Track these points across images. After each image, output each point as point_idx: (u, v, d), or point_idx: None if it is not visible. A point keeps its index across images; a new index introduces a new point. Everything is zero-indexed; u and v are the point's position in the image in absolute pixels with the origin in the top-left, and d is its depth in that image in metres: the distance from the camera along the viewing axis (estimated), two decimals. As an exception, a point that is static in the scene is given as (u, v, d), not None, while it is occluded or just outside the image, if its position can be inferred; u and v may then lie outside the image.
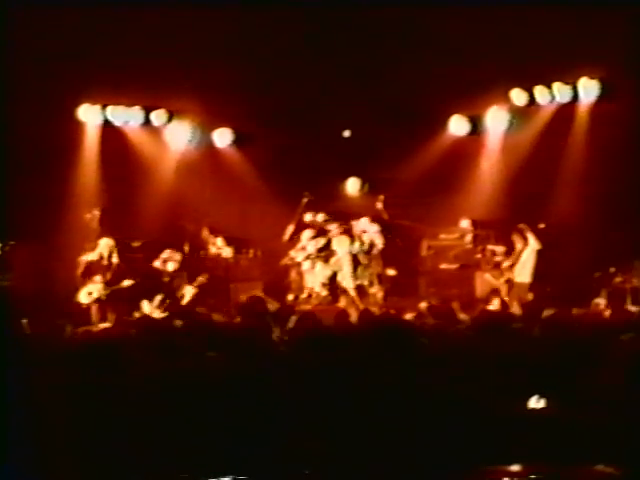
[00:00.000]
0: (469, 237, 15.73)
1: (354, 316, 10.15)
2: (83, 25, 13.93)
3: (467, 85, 14.68)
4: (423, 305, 11.54)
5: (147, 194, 15.61)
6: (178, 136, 15.96)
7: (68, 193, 15.35)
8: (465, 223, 15.78)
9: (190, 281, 15.05)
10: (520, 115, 15.59)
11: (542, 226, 14.83)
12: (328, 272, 15.17)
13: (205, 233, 15.87)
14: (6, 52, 12.96)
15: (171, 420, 4.82)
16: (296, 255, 15.39)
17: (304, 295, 15.20)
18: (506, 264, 14.82)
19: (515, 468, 4.57)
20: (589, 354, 5.64)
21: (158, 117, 15.86)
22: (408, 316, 10.30)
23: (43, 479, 4.42)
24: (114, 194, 15.46)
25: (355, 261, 15.12)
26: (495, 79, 14.84)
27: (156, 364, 5.55)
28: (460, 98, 15.15)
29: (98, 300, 14.47)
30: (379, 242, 15.26)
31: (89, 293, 14.53)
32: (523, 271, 14.60)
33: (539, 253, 14.53)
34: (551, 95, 15.28)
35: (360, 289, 15.05)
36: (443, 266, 15.66)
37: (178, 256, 15.16)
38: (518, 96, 15.39)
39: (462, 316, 9.67)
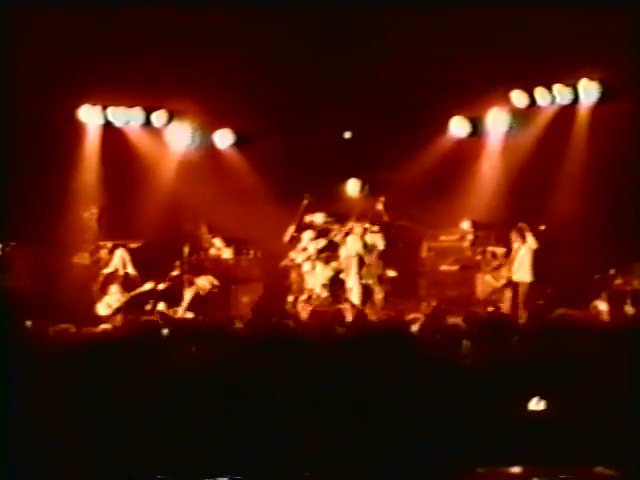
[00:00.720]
0: (469, 238, 15.72)
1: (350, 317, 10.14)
2: (84, 26, 13.96)
3: (468, 86, 14.69)
4: (423, 308, 11.55)
5: (148, 195, 15.62)
6: (179, 137, 15.96)
7: (69, 194, 15.36)
8: (466, 224, 15.77)
9: (189, 281, 15.04)
10: (520, 117, 15.59)
11: (543, 228, 14.81)
12: (329, 273, 15.16)
13: (205, 234, 15.86)
14: (7, 53, 12.99)
15: (171, 421, 4.82)
16: (296, 256, 15.38)
17: (304, 296, 15.19)
18: (504, 263, 14.81)
19: (515, 470, 4.57)
20: (589, 356, 5.64)
21: (159, 118, 15.87)
22: (407, 318, 10.29)
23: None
24: (115, 195, 15.47)
25: (361, 261, 15.12)
26: (496, 80, 14.85)
27: (155, 364, 5.55)
28: (461, 99, 15.15)
29: (118, 310, 14.45)
30: (380, 243, 15.25)
31: (108, 305, 14.48)
32: (522, 270, 14.58)
33: (539, 254, 14.52)
34: (551, 97, 15.28)
35: (365, 289, 15.02)
36: (443, 267, 15.66)
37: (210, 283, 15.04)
38: (519, 97, 15.39)
39: (461, 318, 9.66)
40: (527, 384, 5.27)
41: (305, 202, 15.46)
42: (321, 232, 15.53)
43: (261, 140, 15.76)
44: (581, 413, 4.97)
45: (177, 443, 4.67)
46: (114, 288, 14.62)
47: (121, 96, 15.43)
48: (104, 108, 15.65)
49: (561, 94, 15.23)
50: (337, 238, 15.36)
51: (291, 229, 15.42)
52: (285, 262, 15.51)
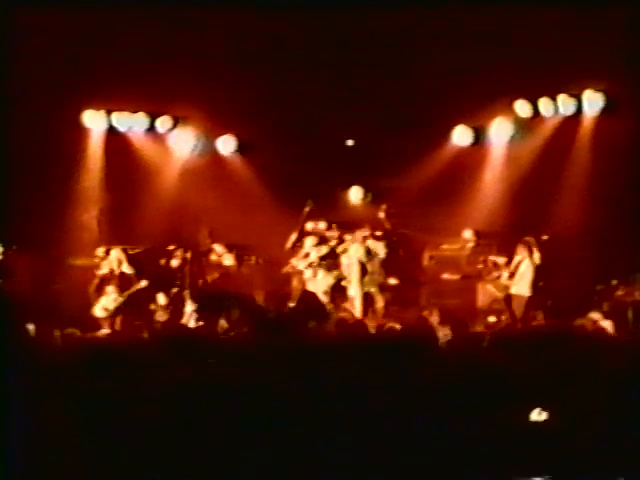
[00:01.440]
0: (469, 247, 15.71)
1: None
2: (88, 31, 13.99)
3: (471, 96, 14.72)
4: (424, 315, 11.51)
5: (151, 200, 15.63)
6: (182, 143, 15.99)
7: (72, 198, 15.38)
8: (468, 233, 15.77)
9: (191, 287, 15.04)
10: (524, 126, 15.61)
11: (545, 238, 14.80)
12: (330, 280, 15.15)
13: (207, 240, 15.86)
14: (11, 58, 13.01)
15: (172, 426, 4.83)
16: (298, 263, 15.38)
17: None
18: (505, 274, 14.78)
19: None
20: (590, 366, 5.64)
21: (162, 124, 15.90)
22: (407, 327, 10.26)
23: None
24: (118, 200, 15.48)
25: (363, 269, 15.11)
26: (499, 90, 14.87)
27: (159, 370, 5.55)
28: (464, 109, 15.18)
29: (116, 311, 14.42)
30: (381, 251, 15.24)
31: (105, 309, 14.43)
32: (521, 284, 14.51)
33: (540, 266, 14.47)
34: (555, 107, 15.30)
35: (367, 297, 15.00)
36: (445, 276, 15.65)
37: None
38: (522, 107, 15.41)
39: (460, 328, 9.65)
40: (528, 395, 5.27)
41: (307, 209, 15.47)
42: (323, 239, 15.53)
43: (264, 147, 15.78)
44: (582, 423, 4.97)
45: (179, 449, 4.68)
46: (110, 289, 14.57)
47: (125, 101, 15.47)
48: (108, 113, 15.68)
49: (565, 105, 15.25)
50: (339, 246, 15.36)
51: (293, 236, 15.42)
52: (287, 269, 15.52)
